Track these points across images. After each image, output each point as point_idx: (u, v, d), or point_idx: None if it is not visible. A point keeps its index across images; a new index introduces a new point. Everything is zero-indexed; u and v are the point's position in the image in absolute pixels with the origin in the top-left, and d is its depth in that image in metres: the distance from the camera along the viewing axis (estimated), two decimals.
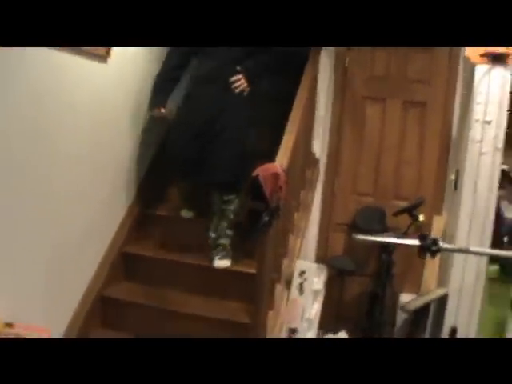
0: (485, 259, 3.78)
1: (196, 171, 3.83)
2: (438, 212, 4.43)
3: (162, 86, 3.95)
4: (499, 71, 3.71)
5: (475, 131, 3.77)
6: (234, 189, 3.85)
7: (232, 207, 3.87)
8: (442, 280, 4.04)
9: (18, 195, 2.86)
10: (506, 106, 3.75)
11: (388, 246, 3.79)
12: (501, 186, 4.04)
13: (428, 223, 4.28)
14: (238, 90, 3.80)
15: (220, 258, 3.84)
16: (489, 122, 3.77)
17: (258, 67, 3.91)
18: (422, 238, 3.11)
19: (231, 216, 3.88)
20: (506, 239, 3.84)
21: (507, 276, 3.74)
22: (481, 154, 3.77)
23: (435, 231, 4.19)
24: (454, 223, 3.92)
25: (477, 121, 3.79)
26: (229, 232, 3.89)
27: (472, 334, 3.85)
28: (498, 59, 3.70)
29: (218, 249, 3.86)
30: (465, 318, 3.84)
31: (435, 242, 3.04)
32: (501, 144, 3.75)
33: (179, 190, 4.45)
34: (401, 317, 4.32)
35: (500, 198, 4.01)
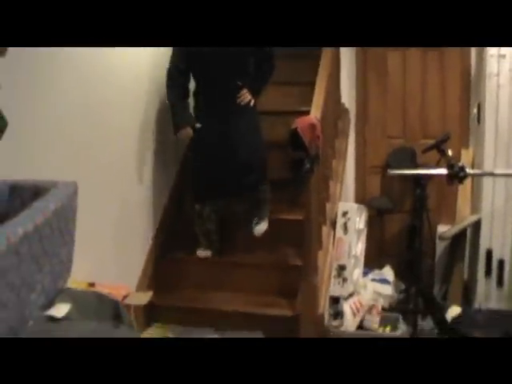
0: None
1: (220, 188, 3.87)
2: (465, 145, 4.72)
3: (180, 104, 3.87)
4: None
5: (491, 66, 4.04)
6: (263, 180, 3.96)
7: (267, 193, 4.00)
8: (475, 207, 4.35)
9: (85, 170, 3.18)
10: None
11: (421, 181, 4.06)
12: None
13: (457, 157, 4.56)
14: (243, 103, 3.81)
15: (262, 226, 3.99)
16: (503, 56, 4.04)
17: (256, 78, 3.91)
18: (450, 166, 3.44)
19: (268, 198, 4.02)
20: None
21: None
22: (498, 86, 4.05)
23: (464, 163, 4.48)
24: (481, 153, 4.22)
25: (492, 56, 4.06)
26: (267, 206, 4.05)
27: (507, 254, 4.17)
28: None
29: (261, 222, 4.01)
30: (499, 239, 4.17)
31: (462, 168, 3.36)
32: None
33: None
34: (440, 247, 4.64)
35: None
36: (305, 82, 4.36)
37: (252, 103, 3.88)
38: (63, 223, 1.75)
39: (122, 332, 1.70)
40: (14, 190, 1.88)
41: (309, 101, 3.91)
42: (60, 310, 1.65)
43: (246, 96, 3.84)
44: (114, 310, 1.84)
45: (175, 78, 3.86)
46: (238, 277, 4.00)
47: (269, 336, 3.69)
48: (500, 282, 4.13)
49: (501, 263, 4.14)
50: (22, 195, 1.90)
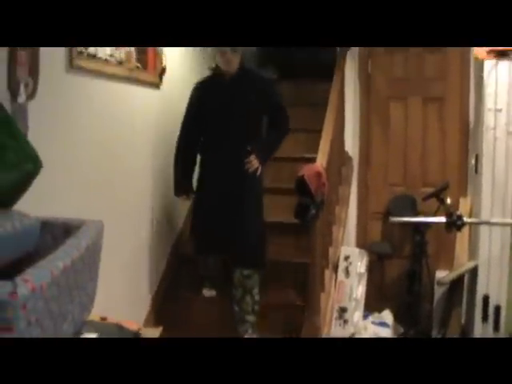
0: (508, 232, 4.24)
1: (219, 245, 3.88)
2: (464, 194, 4.89)
3: (185, 169, 3.97)
4: (505, 65, 4.18)
5: (488, 119, 4.24)
6: (254, 263, 3.86)
7: (251, 282, 3.84)
8: (472, 254, 4.50)
9: (101, 209, 3.33)
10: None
11: (420, 228, 4.24)
12: None
13: (455, 205, 4.73)
14: (251, 170, 3.77)
15: (249, 335, 3.88)
16: (500, 110, 4.24)
17: (266, 144, 3.92)
18: (449, 215, 3.61)
19: (255, 292, 3.87)
20: None
21: None
22: (495, 139, 4.24)
23: (462, 211, 4.64)
24: (478, 202, 4.38)
25: (489, 110, 4.25)
26: (256, 308, 3.88)
27: (503, 300, 4.30)
28: (502, 54, 4.17)
29: (245, 326, 3.88)
30: (495, 285, 4.30)
31: (460, 217, 3.53)
32: None
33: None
34: (438, 292, 4.78)
35: None
36: (311, 130, 4.55)
37: (259, 171, 3.83)
38: (92, 259, 1.92)
39: None
40: (45, 227, 2.04)
41: (315, 148, 4.11)
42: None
43: (253, 163, 3.79)
44: (135, 337, 2.00)
45: (182, 151, 3.95)
46: None
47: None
48: (496, 328, 4.25)
49: (497, 309, 4.27)
50: (53, 232, 2.07)
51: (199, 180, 4.01)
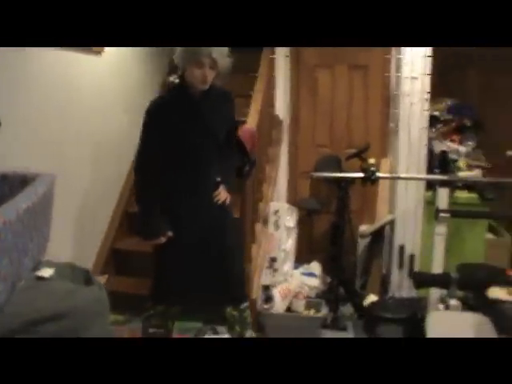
0: (422, 187, 4.69)
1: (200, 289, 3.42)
2: (385, 155, 5.32)
3: (155, 203, 3.26)
4: None
5: (405, 86, 4.65)
6: (244, 295, 3.66)
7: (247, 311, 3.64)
8: (391, 208, 4.94)
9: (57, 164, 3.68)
10: (428, 64, 4.63)
11: (342, 184, 4.60)
12: (432, 128, 4.96)
13: (377, 164, 5.14)
14: (220, 202, 3.38)
15: None
16: (416, 78, 4.65)
17: (233, 172, 3.63)
18: (364, 170, 4.01)
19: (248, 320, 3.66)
20: (436, 170, 4.73)
21: None
22: (411, 104, 4.65)
23: (383, 171, 5.07)
24: (396, 161, 4.81)
25: (406, 78, 4.66)
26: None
27: (417, 250, 4.77)
28: None
29: None
30: (410, 236, 4.77)
31: (373, 172, 3.94)
32: (427, 95, 4.64)
33: None
34: (361, 244, 5.21)
35: (431, 138, 4.93)
36: (244, 95, 4.86)
37: (228, 201, 3.46)
38: (47, 206, 2.23)
39: (93, 290, 2.15)
40: (3, 179, 2.34)
41: (246, 112, 4.44)
42: (46, 272, 2.11)
43: (222, 196, 3.41)
44: (85, 275, 2.30)
45: (149, 181, 3.26)
46: None
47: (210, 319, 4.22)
48: (411, 274, 4.72)
49: (411, 257, 4.74)
50: (11, 183, 2.37)
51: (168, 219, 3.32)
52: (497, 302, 3.34)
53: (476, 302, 3.54)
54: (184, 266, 3.34)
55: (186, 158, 3.27)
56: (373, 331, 4.03)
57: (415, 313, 4.01)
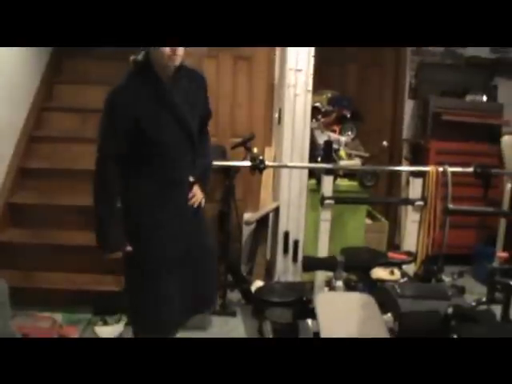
0: (305, 175, 4.88)
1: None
2: (269, 144, 5.48)
3: (112, 220, 2.78)
4: None
5: (290, 78, 4.81)
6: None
7: None
8: (275, 196, 5.10)
9: None
10: (312, 58, 4.80)
11: (229, 173, 4.70)
12: (313, 119, 5.17)
13: (261, 153, 5.28)
14: (196, 205, 2.95)
15: None
16: (300, 70, 4.81)
17: (209, 170, 3.20)
18: (252, 159, 4.13)
19: None
20: (319, 159, 4.94)
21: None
22: (295, 95, 4.82)
23: (267, 159, 5.22)
24: (280, 150, 4.97)
25: (290, 69, 4.82)
26: None
27: (301, 236, 4.96)
28: None
29: None
30: (294, 223, 4.94)
31: (262, 161, 4.07)
32: (310, 87, 4.82)
33: None
34: (246, 231, 5.36)
35: (313, 129, 5.13)
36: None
37: (203, 204, 3.08)
38: None
39: None
40: None
41: None
42: None
43: (198, 197, 3.00)
44: None
45: (110, 185, 2.79)
46: (65, 258, 4.52)
47: (99, 309, 4.23)
48: (295, 259, 4.91)
49: (296, 243, 4.92)
50: None
51: (137, 230, 2.86)
52: (379, 282, 3.57)
53: (361, 282, 3.76)
54: (176, 287, 2.89)
55: (155, 155, 2.78)
56: (261, 315, 4.16)
57: (301, 296, 4.18)
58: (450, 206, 4.11)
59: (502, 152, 5.51)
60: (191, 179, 2.94)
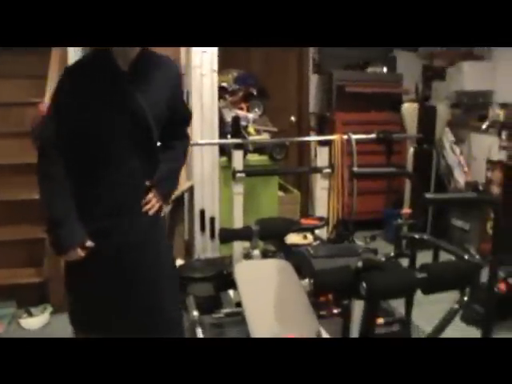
0: (216, 153, 4.99)
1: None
2: None
3: (68, 212, 2.31)
4: None
5: (195, 59, 4.89)
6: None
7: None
8: (189, 175, 5.19)
9: None
10: None
11: None
12: (221, 99, 5.28)
13: None
14: (151, 213, 2.47)
15: None
16: (205, 51, 4.91)
17: (172, 172, 2.64)
18: None
19: None
20: (228, 136, 5.05)
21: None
22: (202, 75, 4.92)
23: None
24: (191, 130, 5.04)
25: (196, 51, 4.91)
26: None
27: (216, 212, 5.07)
28: None
29: None
30: (209, 200, 5.05)
31: None
32: (215, 67, 4.93)
33: None
34: (162, 212, 5.42)
35: (221, 108, 5.24)
36: (36, 76, 4.81)
37: (162, 213, 2.68)
38: None
39: None
40: None
41: (40, 93, 4.42)
42: None
43: (154, 204, 2.50)
44: None
45: (58, 172, 2.32)
46: None
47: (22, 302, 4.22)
48: (212, 235, 5.02)
49: (212, 220, 5.03)
50: None
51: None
52: (294, 246, 3.73)
53: (276, 248, 3.91)
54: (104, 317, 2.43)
55: (102, 152, 2.35)
56: (185, 291, 4.25)
57: (221, 270, 4.29)
58: (355, 169, 4.30)
59: (403, 119, 5.78)
60: (147, 183, 2.45)
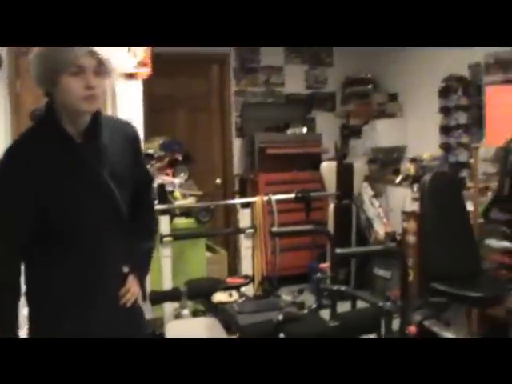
0: None
1: None
2: None
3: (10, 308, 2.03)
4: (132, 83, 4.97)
5: None
6: None
7: None
8: None
9: None
10: (141, 107, 5.07)
11: None
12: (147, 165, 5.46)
13: None
14: (129, 304, 2.18)
15: None
16: (130, 120, 5.07)
17: (148, 253, 2.36)
18: None
19: None
20: (155, 202, 5.24)
21: None
22: None
23: None
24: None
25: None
26: None
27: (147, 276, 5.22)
28: (130, 76, 4.91)
29: None
30: None
31: None
32: (141, 135, 5.11)
33: None
34: None
35: None
36: None
37: (139, 300, 2.35)
38: None
39: None
40: None
41: None
42: None
43: (134, 291, 2.23)
44: None
45: (8, 271, 2.04)
46: None
47: None
48: (144, 298, 5.11)
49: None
50: None
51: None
52: (221, 304, 3.93)
53: (204, 307, 4.10)
54: None
55: (68, 238, 2.05)
56: None
57: (154, 331, 4.44)
58: (275, 228, 4.55)
59: (322, 177, 6.11)
60: (125, 269, 2.17)
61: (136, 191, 2.24)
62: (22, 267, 2.09)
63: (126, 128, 2.25)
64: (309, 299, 5.42)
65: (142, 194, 2.32)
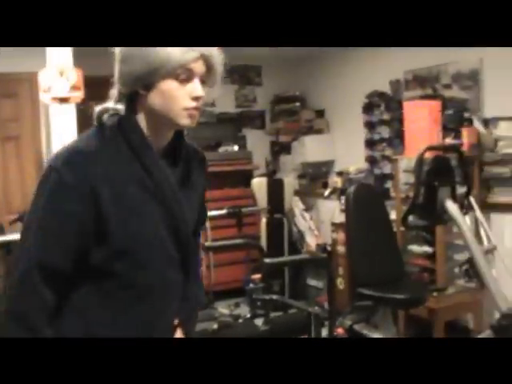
0: None
1: None
2: None
3: None
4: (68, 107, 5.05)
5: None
6: None
7: None
8: None
9: None
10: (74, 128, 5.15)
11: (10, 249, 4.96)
12: None
13: None
14: None
15: None
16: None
17: (196, 309, 1.96)
18: None
19: None
20: None
21: None
22: None
23: None
24: None
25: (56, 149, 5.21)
26: None
27: None
28: (63, 100, 4.98)
29: None
30: None
31: None
32: None
33: None
34: None
35: None
36: None
37: None
38: None
39: None
40: None
41: None
42: None
43: None
44: None
45: (38, 303, 1.53)
46: None
47: None
48: None
49: None
50: None
51: None
52: None
53: None
54: None
55: (125, 280, 1.61)
56: None
57: None
58: (207, 243, 4.75)
59: (253, 193, 6.35)
60: (175, 321, 1.81)
61: (196, 226, 1.83)
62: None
63: (197, 153, 1.81)
64: (245, 311, 5.65)
65: (198, 233, 1.92)
